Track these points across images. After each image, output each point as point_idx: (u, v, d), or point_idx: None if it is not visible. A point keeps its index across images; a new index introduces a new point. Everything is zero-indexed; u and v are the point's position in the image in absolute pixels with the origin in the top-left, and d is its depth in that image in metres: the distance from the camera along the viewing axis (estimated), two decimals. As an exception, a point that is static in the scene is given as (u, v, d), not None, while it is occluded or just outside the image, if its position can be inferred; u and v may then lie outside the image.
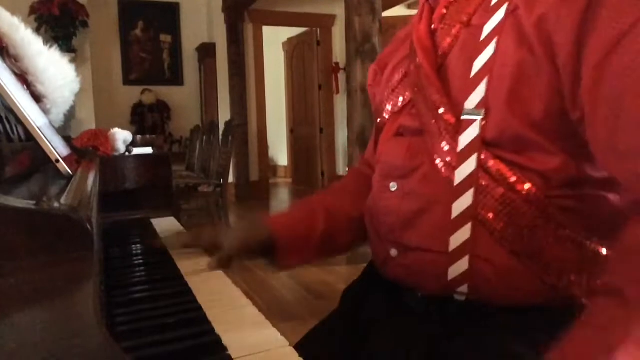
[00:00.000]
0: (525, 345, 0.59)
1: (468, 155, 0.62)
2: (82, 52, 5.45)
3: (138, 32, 6.74)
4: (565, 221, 0.60)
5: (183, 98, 6.92)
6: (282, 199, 6.67)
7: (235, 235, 0.83)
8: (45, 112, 1.10)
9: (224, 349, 0.50)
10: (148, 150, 2.87)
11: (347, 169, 5.42)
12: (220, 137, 4.30)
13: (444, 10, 0.71)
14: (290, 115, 7.62)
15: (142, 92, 6.66)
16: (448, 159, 0.64)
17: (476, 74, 0.62)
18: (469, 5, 0.68)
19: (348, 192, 0.91)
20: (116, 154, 1.84)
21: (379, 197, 0.75)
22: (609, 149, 0.51)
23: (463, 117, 0.62)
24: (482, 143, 0.61)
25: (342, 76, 6.36)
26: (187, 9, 6.87)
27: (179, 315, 0.58)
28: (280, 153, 8.28)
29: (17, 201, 0.45)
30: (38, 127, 0.75)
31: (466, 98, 0.62)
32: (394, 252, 0.71)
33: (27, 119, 0.73)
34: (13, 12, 1.09)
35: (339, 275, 3.10)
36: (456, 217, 0.62)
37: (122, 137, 1.88)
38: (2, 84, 0.71)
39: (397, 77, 0.77)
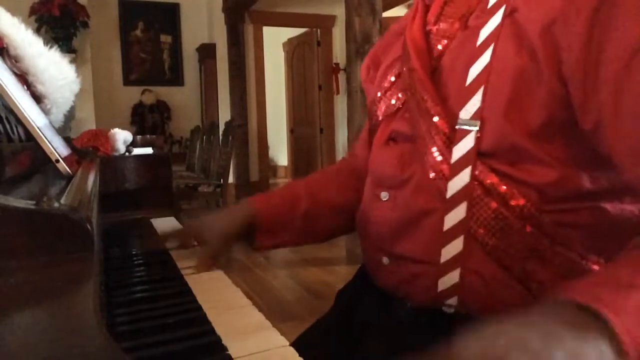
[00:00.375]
0: None
1: (462, 168, 0.60)
2: (83, 52, 5.46)
3: (138, 32, 6.75)
4: (561, 237, 0.57)
5: (183, 98, 6.93)
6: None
7: (217, 227, 0.82)
8: (46, 112, 1.10)
9: (224, 349, 0.50)
10: (148, 150, 2.87)
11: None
12: (221, 138, 4.31)
13: (440, 10, 0.68)
14: (290, 115, 7.62)
15: (143, 93, 6.67)
16: (441, 170, 0.61)
17: (472, 83, 0.60)
18: (465, 4, 0.65)
19: (334, 180, 0.90)
20: (116, 154, 1.84)
21: (369, 205, 0.74)
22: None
23: (458, 127, 0.60)
24: (476, 155, 0.59)
25: (342, 76, 6.36)
26: (187, 10, 6.87)
27: (179, 316, 0.58)
28: (280, 153, 8.28)
29: (18, 201, 0.45)
30: (38, 127, 0.75)
31: (461, 107, 0.60)
32: (385, 260, 0.70)
33: (27, 119, 0.73)
34: (13, 12, 1.09)
35: (338, 275, 3.10)
36: (448, 230, 0.60)
37: (122, 137, 1.88)
38: (3, 84, 0.71)
39: (391, 77, 0.75)
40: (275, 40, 7.47)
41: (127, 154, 1.90)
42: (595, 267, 0.58)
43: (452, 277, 0.61)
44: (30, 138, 0.76)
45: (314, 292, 2.85)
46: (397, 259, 0.68)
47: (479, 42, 0.60)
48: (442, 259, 0.61)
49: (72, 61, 1.30)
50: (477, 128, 0.58)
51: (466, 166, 0.59)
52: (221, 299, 0.65)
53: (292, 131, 7.58)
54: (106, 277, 0.71)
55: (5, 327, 0.34)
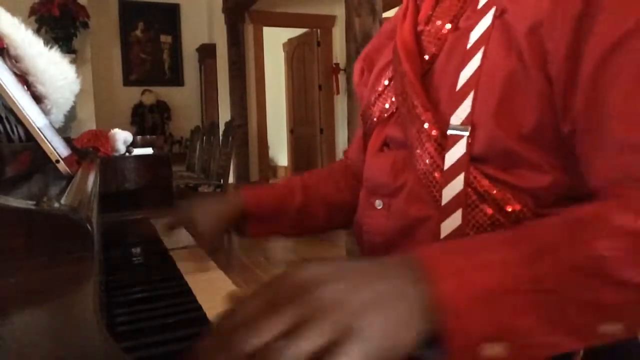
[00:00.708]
0: None
1: (455, 174, 0.58)
2: (83, 52, 5.45)
3: (138, 32, 6.75)
4: None
5: (183, 99, 6.93)
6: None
7: (209, 213, 0.81)
8: (46, 112, 1.11)
9: (224, 349, 0.50)
10: (148, 150, 2.87)
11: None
12: (221, 138, 4.31)
13: (431, 10, 0.67)
14: (290, 115, 7.62)
15: (143, 93, 6.67)
16: (434, 177, 0.60)
17: (462, 87, 0.58)
18: (456, 4, 0.64)
19: (330, 178, 0.90)
20: (116, 154, 1.84)
21: (364, 214, 0.73)
22: (613, 148, 0.49)
23: (449, 133, 0.59)
24: (469, 161, 0.58)
25: (342, 77, 6.36)
26: (187, 10, 6.87)
27: (178, 316, 0.59)
28: (280, 153, 8.27)
29: (18, 201, 0.45)
30: (38, 128, 0.75)
31: (452, 112, 0.59)
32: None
33: (27, 120, 0.73)
34: (13, 13, 1.09)
35: (339, 275, 3.09)
36: (445, 238, 0.59)
37: (122, 137, 1.88)
38: (3, 84, 0.71)
39: (384, 80, 0.73)
40: (275, 41, 7.47)
41: (127, 154, 1.90)
42: None
43: None
44: (30, 138, 0.76)
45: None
46: None
47: (469, 45, 0.59)
48: None
49: (72, 61, 1.30)
50: (468, 133, 0.57)
51: (459, 172, 0.58)
52: (221, 299, 0.65)
53: (292, 131, 7.58)
54: (106, 277, 0.71)
55: (5, 327, 0.34)
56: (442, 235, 0.59)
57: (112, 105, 6.41)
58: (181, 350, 0.50)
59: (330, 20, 6.59)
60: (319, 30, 6.68)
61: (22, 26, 1.08)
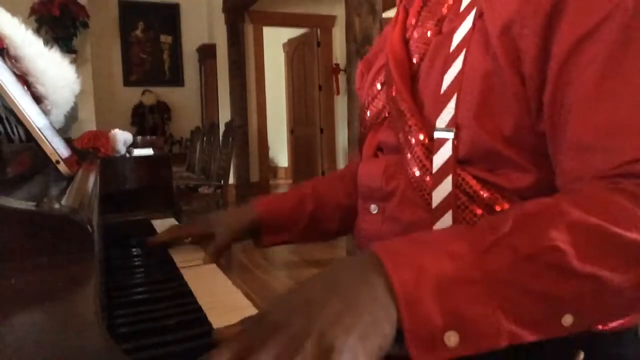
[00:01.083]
0: None
1: (443, 177, 0.59)
2: (83, 53, 5.46)
3: (138, 32, 6.75)
4: None
5: (183, 99, 6.93)
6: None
7: (225, 223, 0.85)
8: (46, 113, 1.10)
9: (225, 350, 0.50)
10: (148, 151, 2.87)
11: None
12: (221, 138, 4.31)
13: (417, 16, 0.68)
14: (290, 116, 7.62)
15: (143, 93, 6.67)
16: (423, 180, 0.61)
17: (446, 90, 0.59)
18: (439, 9, 0.65)
19: (343, 180, 0.91)
20: (117, 155, 1.84)
21: (361, 218, 0.74)
22: (570, 147, 0.50)
23: (435, 137, 0.60)
24: (456, 164, 0.58)
25: (342, 77, 6.36)
26: (187, 10, 6.87)
27: (179, 317, 0.58)
28: (280, 154, 8.28)
29: (18, 202, 0.45)
30: (38, 128, 0.75)
31: (437, 115, 0.60)
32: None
33: (27, 120, 0.73)
34: (13, 13, 1.09)
35: (339, 276, 3.10)
36: None
37: (122, 138, 1.88)
38: (3, 84, 0.71)
39: (377, 85, 0.74)
40: (275, 41, 7.47)
41: (127, 154, 1.90)
42: None
43: None
44: (30, 139, 0.76)
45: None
46: None
47: (452, 48, 0.60)
48: None
49: (72, 61, 1.30)
50: (453, 135, 0.58)
51: (447, 175, 0.59)
52: (221, 300, 0.65)
53: (292, 131, 7.58)
54: (107, 278, 0.71)
55: (5, 328, 0.34)
56: None
57: (112, 106, 6.41)
58: (182, 351, 0.49)
59: (330, 20, 6.60)
60: (319, 30, 6.68)
61: (22, 26, 1.08)
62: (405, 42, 0.68)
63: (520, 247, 0.40)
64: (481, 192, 0.57)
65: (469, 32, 0.58)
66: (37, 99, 1.08)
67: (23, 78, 1.05)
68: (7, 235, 0.41)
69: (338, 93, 6.60)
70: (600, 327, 0.57)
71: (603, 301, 0.42)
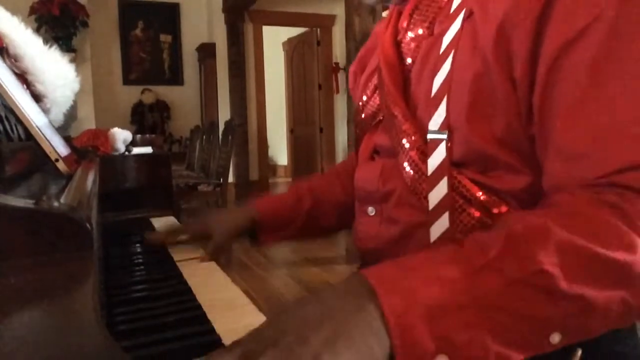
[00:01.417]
0: None
1: (438, 179, 0.59)
2: (82, 52, 5.45)
3: (138, 32, 6.74)
4: None
5: (183, 98, 6.92)
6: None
7: (223, 222, 0.86)
8: (45, 111, 1.11)
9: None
10: (148, 149, 2.87)
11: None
12: (220, 137, 4.30)
13: (409, 18, 0.67)
14: (290, 115, 7.62)
15: (142, 92, 6.66)
16: (419, 182, 0.61)
17: (436, 93, 0.59)
18: (430, 11, 0.64)
19: (339, 177, 0.92)
20: (116, 153, 1.84)
21: (359, 220, 0.74)
22: (554, 153, 0.50)
23: (429, 138, 0.60)
24: (450, 166, 0.58)
25: (342, 76, 6.36)
26: (187, 9, 6.86)
27: (178, 315, 0.59)
28: (280, 153, 8.27)
29: (17, 200, 0.45)
30: (38, 127, 0.75)
31: (429, 118, 0.60)
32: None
33: (26, 119, 0.73)
34: (13, 12, 1.09)
35: (338, 274, 3.10)
36: (436, 241, 0.60)
37: (122, 136, 1.89)
38: (2, 83, 0.71)
39: (372, 86, 0.73)
40: (275, 40, 7.47)
41: (126, 153, 1.90)
42: None
43: None
44: (29, 137, 0.76)
45: (314, 291, 2.85)
46: None
47: (441, 50, 0.59)
48: None
49: (71, 60, 1.30)
50: (446, 137, 0.58)
51: (442, 177, 0.59)
52: (221, 298, 0.65)
53: (292, 131, 7.58)
54: (106, 276, 0.71)
55: (5, 326, 0.34)
56: (432, 239, 0.60)
57: (112, 105, 6.41)
58: (181, 349, 0.50)
59: (330, 19, 6.59)
60: (318, 30, 6.68)
61: (22, 25, 1.08)
62: (397, 44, 0.68)
63: (509, 272, 0.41)
64: (477, 194, 0.57)
65: (457, 33, 0.58)
66: (37, 97, 1.08)
67: (22, 77, 1.05)
68: (6, 233, 0.41)
69: (338, 92, 6.60)
70: None
71: (590, 319, 0.43)
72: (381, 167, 0.69)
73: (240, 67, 6.23)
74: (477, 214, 0.57)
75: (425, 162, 0.60)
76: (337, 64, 6.58)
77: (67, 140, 1.28)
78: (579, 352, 0.55)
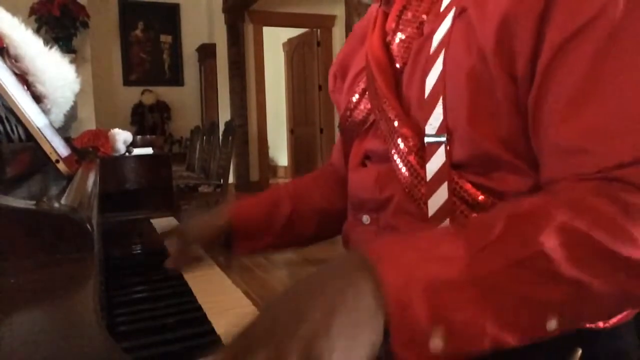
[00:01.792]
0: None
1: (438, 184, 0.57)
2: (83, 52, 5.45)
3: (138, 32, 6.75)
4: None
5: (183, 98, 6.93)
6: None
7: (195, 224, 0.80)
8: (46, 112, 1.11)
9: (224, 349, 0.50)
10: (148, 150, 2.86)
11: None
12: (220, 138, 4.30)
13: (397, 18, 0.64)
14: (290, 115, 7.62)
15: (143, 93, 6.67)
16: (418, 189, 0.59)
17: (430, 94, 0.57)
18: (419, 12, 0.62)
19: (316, 184, 0.88)
20: (116, 154, 1.84)
21: (352, 229, 0.72)
22: (552, 149, 0.50)
23: (426, 142, 0.58)
24: (450, 170, 0.57)
25: (342, 76, 6.36)
26: (187, 10, 6.87)
27: (178, 316, 0.59)
28: (280, 153, 8.27)
29: (18, 201, 0.45)
30: (38, 127, 0.75)
31: (425, 121, 0.58)
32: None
33: (27, 119, 0.73)
34: (13, 12, 1.09)
35: (339, 275, 3.10)
36: None
37: (122, 137, 1.88)
38: (3, 84, 0.71)
39: (359, 89, 0.70)
40: (275, 40, 7.47)
41: (127, 154, 1.90)
42: None
43: None
44: (30, 138, 0.76)
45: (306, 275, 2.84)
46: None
47: (432, 49, 0.58)
48: None
49: (72, 61, 1.30)
50: (445, 141, 0.56)
51: (442, 182, 0.57)
52: (221, 299, 0.65)
53: (292, 131, 7.58)
54: (106, 277, 0.71)
55: (5, 327, 0.34)
56: None
57: (112, 105, 6.41)
58: (181, 350, 0.50)
59: (330, 20, 6.59)
60: (319, 30, 6.68)
61: (22, 26, 1.08)
62: (386, 46, 0.66)
63: (510, 252, 0.41)
64: (479, 198, 0.56)
65: (447, 31, 0.57)
66: (37, 98, 1.08)
67: (23, 77, 1.05)
68: (6, 234, 0.41)
69: (338, 92, 6.60)
70: (601, 325, 0.57)
71: (585, 305, 0.43)
72: (376, 173, 0.67)
73: (240, 68, 6.24)
74: None
75: (423, 167, 0.59)
76: (337, 64, 6.58)
77: (68, 141, 1.28)
78: (579, 352, 0.55)
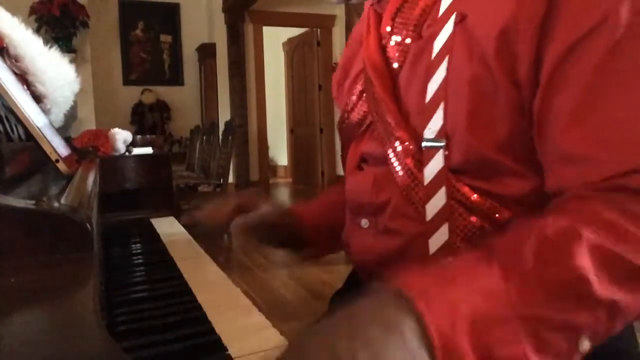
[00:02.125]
0: None
1: (436, 189, 0.57)
2: (82, 52, 5.45)
3: (138, 32, 6.75)
4: None
5: (183, 98, 6.93)
6: (282, 199, 6.66)
7: (272, 205, 0.79)
8: (46, 112, 1.11)
9: (224, 348, 0.50)
10: (148, 150, 2.86)
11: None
12: (220, 137, 4.31)
13: (392, 21, 0.64)
14: (290, 115, 7.63)
15: (142, 92, 6.67)
16: (416, 192, 0.59)
17: (431, 99, 0.57)
18: (414, 14, 0.62)
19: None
20: (116, 154, 1.84)
21: (351, 233, 0.72)
22: (557, 156, 0.50)
23: (424, 147, 0.58)
24: (448, 174, 0.57)
25: (342, 76, 6.36)
26: (187, 10, 6.87)
27: (179, 315, 0.59)
28: (280, 153, 8.28)
29: (17, 201, 0.45)
30: (38, 127, 0.75)
31: (424, 126, 0.58)
32: (375, 282, 0.69)
33: (27, 119, 0.73)
34: (13, 12, 1.09)
35: (339, 275, 3.10)
36: (435, 253, 0.58)
37: (122, 137, 1.88)
38: (3, 84, 0.71)
39: (356, 92, 0.71)
40: (275, 40, 7.47)
41: (127, 153, 1.90)
42: None
43: None
44: (30, 138, 0.76)
45: (314, 292, 2.85)
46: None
47: (433, 55, 0.58)
48: None
49: (72, 61, 1.30)
50: (444, 145, 0.56)
51: (440, 186, 0.57)
52: (221, 299, 0.65)
53: (292, 131, 7.58)
54: (106, 277, 0.71)
55: (5, 327, 0.34)
56: (431, 250, 0.59)
57: (112, 105, 6.41)
58: (181, 349, 0.50)
59: (330, 19, 6.59)
60: (319, 30, 6.68)
61: (22, 26, 1.08)
62: (382, 49, 0.66)
63: (550, 282, 0.40)
64: (478, 202, 0.56)
65: (450, 38, 0.56)
66: (37, 98, 1.08)
67: (23, 77, 1.05)
68: (6, 233, 0.41)
69: (338, 92, 6.60)
70: None
71: (617, 322, 0.43)
72: (373, 176, 0.66)
73: (240, 68, 6.24)
74: (478, 221, 0.56)
75: (421, 171, 0.58)
76: (337, 64, 6.55)
77: (68, 140, 1.28)
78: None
